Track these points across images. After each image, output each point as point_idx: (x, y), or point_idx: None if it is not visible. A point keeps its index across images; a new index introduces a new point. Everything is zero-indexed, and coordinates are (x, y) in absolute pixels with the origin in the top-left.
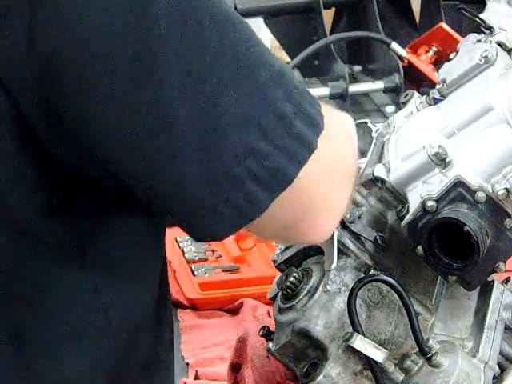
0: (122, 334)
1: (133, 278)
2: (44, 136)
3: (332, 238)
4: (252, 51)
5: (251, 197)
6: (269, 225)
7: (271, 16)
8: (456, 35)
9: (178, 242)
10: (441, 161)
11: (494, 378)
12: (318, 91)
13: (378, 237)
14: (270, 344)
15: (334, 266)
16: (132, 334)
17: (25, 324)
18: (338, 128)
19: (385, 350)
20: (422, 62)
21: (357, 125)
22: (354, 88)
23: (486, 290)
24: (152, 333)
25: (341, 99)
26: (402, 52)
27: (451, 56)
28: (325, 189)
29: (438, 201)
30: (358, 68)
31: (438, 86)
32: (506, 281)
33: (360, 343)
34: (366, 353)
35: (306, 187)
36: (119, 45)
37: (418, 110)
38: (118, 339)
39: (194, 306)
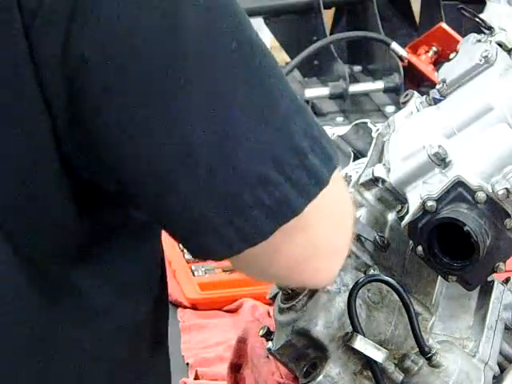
0: (120, 334)
1: (131, 280)
2: (67, 146)
3: None
4: (275, 81)
5: (255, 222)
6: (273, 261)
7: (271, 16)
8: (456, 35)
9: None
10: (441, 161)
11: (494, 377)
12: (318, 91)
13: (377, 237)
14: (270, 344)
15: None
16: (130, 335)
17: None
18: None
19: (385, 350)
20: (422, 62)
21: (357, 125)
22: (353, 88)
23: (486, 290)
24: (149, 333)
25: (341, 99)
26: (402, 52)
27: (451, 56)
28: (332, 230)
29: (438, 201)
30: (357, 68)
31: (437, 86)
32: (506, 281)
33: (360, 343)
34: (366, 353)
35: (314, 226)
36: (146, 61)
37: (418, 110)
38: (116, 340)
39: (194, 306)
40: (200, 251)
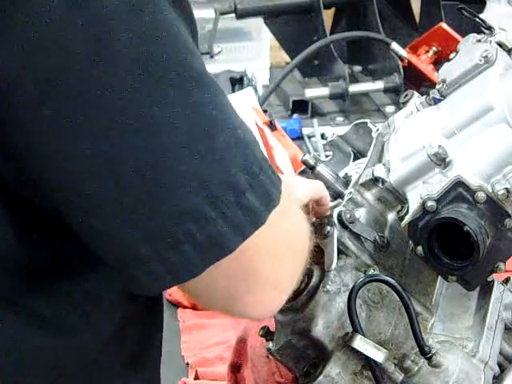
0: (108, 331)
1: (101, 300)
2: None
3: (332, 238)
4: (214, 114)
5: (185, 259)
6: (209, 292)
7: (271, 16)
8: (456, 35)
9: None
10: (441, 161)
11: (494, 377)
12: (318, 91)
13: (377, 237)
14: (270, 344)
15: (333, 266)
16: (118, 333)
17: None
18: (296, 206)
19: (385, 350)
20: (422, 62)
21: (357, 125)
22: (353, 88)
23: (486, 290)
24: (138, 333)
25: (341, 99)
26: (402, 52)
27: (451, 56)
28: (273, 265)
29: (437, 201)
30: (357, 68)
31: (437, 86)
32: (506, 281)
33: (360, 343)
34: (366, 353)
35: (252, 261)
36: (69, 81)
37: (418, 110)
38: (103, 337)
39: (194, 306)
40: (130, 284)
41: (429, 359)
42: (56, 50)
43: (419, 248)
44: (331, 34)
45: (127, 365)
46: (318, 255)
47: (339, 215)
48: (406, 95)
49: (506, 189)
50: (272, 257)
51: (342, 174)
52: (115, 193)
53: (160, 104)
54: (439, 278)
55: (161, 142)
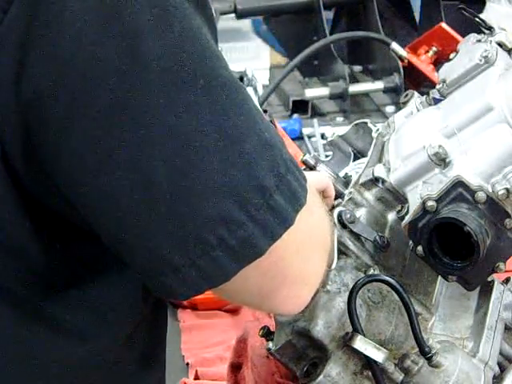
0: (124, 334)
1: (111, 306)
2: (25, 178)
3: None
4: (242, 119)
5: (218, 264)
6: (241, 291)
7: (271, 16)
8: (456, 35)
9: None
10: (441, 161)
11: (494, 377)
12: (318, 91)
13: (377, 237)
14: (270, 344)
15: (334, 266)
16: (128, 334)
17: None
18: (319, 202)
19: (385, 350)
20: (422, 62)
21: (357, 125)
22: (353, 88)
23: (486, 290)
24: (147, 333)
25: (341, 99)
26: (402, 52)
27: (451, 56)
28: (301, 261)
29: (438, 201)
30: (358, 68)
31: (437, 86)
32: (506, 281)
33: (360, 343)
34: (366, 353)
35: (282, 259)
36: (103, 94)
37: (418, 110)
38: (120, 340)
39: (194, 306)
40: (161, 291)
41: (429, 359)
42: (88, 64)
43: (419, 248)
44: (331, 34)
45: (140, 364)
46: None
47: (339, 215)
48: (406, 95)
49: (506, 189)
50: (300, 253)
51: (342, 173)
52: (147, 201)
53: (190, 112)
54: (439, 277)
55: (191, 149)
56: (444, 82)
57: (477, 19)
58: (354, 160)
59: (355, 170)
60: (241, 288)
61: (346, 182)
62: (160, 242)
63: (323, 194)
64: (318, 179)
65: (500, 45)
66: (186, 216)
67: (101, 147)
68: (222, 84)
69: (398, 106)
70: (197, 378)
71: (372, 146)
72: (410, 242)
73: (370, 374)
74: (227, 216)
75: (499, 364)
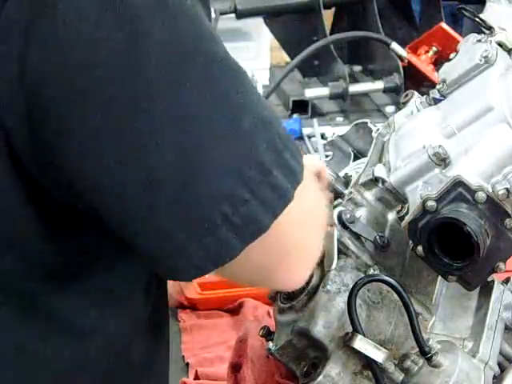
0: (117, 337)
1: (119, 299)
2: (30, 167)
3: (332, 237)
4: (239, 97)
5: (223, 242)
6: (243, 269)
7: (271, 16)
8: (456, 35)
9: None
10: (441, 161)
11: (494, 377)
12: (318, 91)
13: (377, 237)
14: (270, 344)
15: (334, 266)
16: (128, 337)
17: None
18: (313, 177)
19: (385, 350)
20: (422, 62)
21: (357, 125)
22: (353, 88)
23: (486, 290)
24: (149, 335)
25: (341, 99)
26: (402, 52)
27: (451, 56)
28: (301, 236)
29: (438, 201)
30: (357, 68)
31: (438, 86)
32: (506, 281)
33: (360, 343)
34: (366, 353)
35: (283, 235)
36: (108, 86)
37: (418, 110)
38: (112, 343)
39: (194, 306)
40: (168, 273)
41: (429, 359)
42: (89, 49)
43: (419, 248)
44: (331, 34)
45: (144, 362)
46: None
47: (339, 215)
48: (406, 95)
49: (507, 189)
50: (300, 229)
51: (342, 173)
52: (151, 183)
53: (191, 93)
54: (439, 277)
55: (193, 130)
56: (444, 81)
57: (477, 19)
58: (354, 160)
59: (355, 169)
60: (243, 266)
61: (346, 181)
62: (166, 224)
63: (318, 175)
64: (311, 162)
65: (500, 45)
66: (190, 196)
67: (104, 130)
68: (219, 64)
69: (398, 106)
70: (197, 377)
71: (372, 146)
72: (410, 241)
73: (369, 374)
74: (230, 193)
75: (499, 364)
